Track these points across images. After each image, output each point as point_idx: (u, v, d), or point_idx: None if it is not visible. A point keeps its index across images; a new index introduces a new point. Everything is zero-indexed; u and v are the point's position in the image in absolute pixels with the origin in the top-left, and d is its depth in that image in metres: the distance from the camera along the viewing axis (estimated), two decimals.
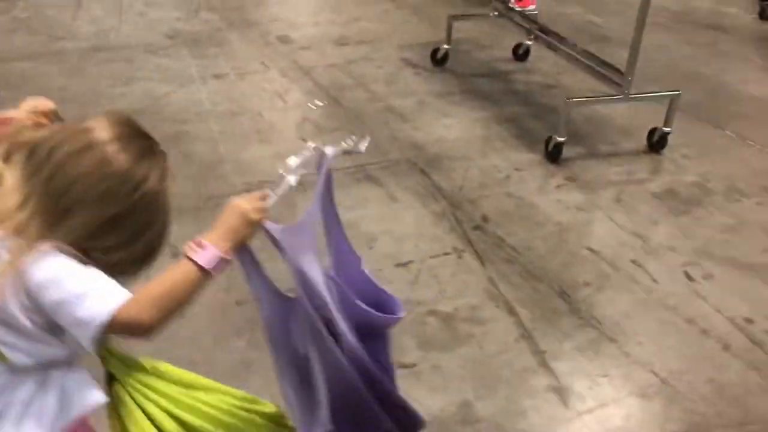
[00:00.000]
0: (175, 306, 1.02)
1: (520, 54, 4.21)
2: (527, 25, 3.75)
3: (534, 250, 2.54)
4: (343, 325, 1.17)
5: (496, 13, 4.05)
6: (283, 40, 4.39)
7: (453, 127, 3.43)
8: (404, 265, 2.44)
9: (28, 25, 4.36)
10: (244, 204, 1.12)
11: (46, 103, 1.17)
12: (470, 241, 2.57)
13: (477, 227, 2.65)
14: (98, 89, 3.56)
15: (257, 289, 1.22)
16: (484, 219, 2.70)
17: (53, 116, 1.17)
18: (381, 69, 4.05)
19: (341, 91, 3.73)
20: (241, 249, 1.14)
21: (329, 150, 1.25)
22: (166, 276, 1.04)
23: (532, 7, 5.23)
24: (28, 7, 4.68)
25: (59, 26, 4.37)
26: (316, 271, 1.17)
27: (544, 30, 3.70)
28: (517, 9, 5.14)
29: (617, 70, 3.07)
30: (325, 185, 1.27)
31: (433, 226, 2.66)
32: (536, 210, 2.77)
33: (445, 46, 4.07)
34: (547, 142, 3.11)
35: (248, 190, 3.05)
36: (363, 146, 1.32)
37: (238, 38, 4.39)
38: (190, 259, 1.05)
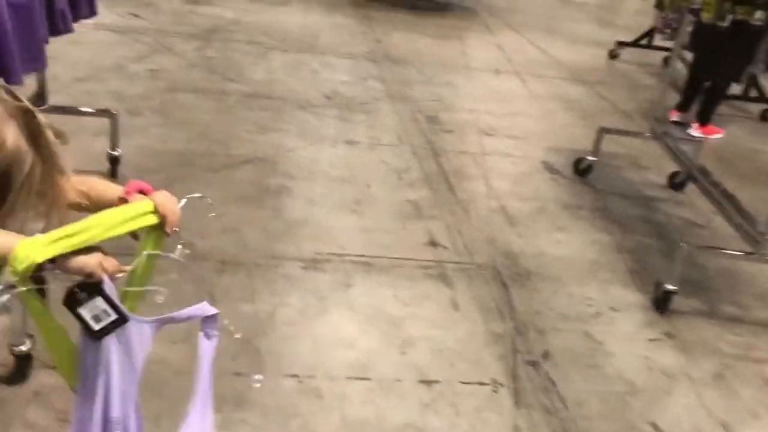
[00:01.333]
0: None
1: (676, 183, 3.76)
2: (677, 153, 3.34)
3: (585, 406, 2.16)
4: None
5: (649, 134, 3.67)
6: (431, 120, 4.35)
7: (563, 243, 3.11)
8: (428, 383, 2.18)
9: (210, 64, 4.76)
10: (100, 257, 1.12)
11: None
12: (515, 377, 2.25)
13: (532, 362, 2.32)
14: (233, 131, 3.74)
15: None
16: (545, 355, 2.37)
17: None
18: (515, 166, 3.84)
19: (461, 180, 3.57)
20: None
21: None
22: None
23: (717, 135, 4.73)
24: (221, 49, 5.13)
25: (235, 70, 4.72)
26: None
27: (693, 163, 3.26)
28: (698, 135, 4.68)
29: (752, 222, 2.59)
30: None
31: (483, 347, 2.37)
32: (611, 361, 2.38)
33: (590, 158, 3.77)
34: (656, 287, 2.69)
35: (314, 260, 2.91)
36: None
37: (389, 110, 4.43)
38: None
